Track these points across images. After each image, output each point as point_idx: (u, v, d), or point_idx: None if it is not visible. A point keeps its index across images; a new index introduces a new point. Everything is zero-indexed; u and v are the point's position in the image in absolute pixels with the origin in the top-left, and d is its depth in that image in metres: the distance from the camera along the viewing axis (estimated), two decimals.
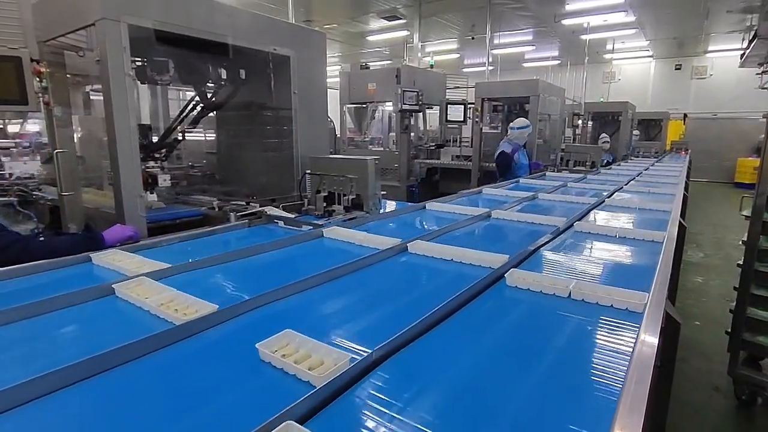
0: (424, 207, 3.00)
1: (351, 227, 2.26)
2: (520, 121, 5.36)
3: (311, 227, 2.34)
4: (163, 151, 3.20)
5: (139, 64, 2.83)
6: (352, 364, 0.91)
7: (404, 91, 6.17)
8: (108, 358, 0.97)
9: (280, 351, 0.98)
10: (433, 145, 7.58)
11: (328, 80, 3.34)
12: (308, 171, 2.87)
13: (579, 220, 2.50)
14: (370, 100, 6.88)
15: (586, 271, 1.67)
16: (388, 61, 15.99)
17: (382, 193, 2.85)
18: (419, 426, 0.79)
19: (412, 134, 6.94)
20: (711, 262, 6.23)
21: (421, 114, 7.11)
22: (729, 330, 2.92)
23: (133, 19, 2.13)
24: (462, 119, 7.11)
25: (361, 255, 1.75)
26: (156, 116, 4.13)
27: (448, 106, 7.03)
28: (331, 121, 6.52)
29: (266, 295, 1.33)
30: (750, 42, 8.42)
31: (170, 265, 1.58)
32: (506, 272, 1.52)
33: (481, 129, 6.72)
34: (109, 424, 0.82)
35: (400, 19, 11.44)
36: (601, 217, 2.74)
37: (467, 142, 8.34)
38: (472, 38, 12.84)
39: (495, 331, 1.19)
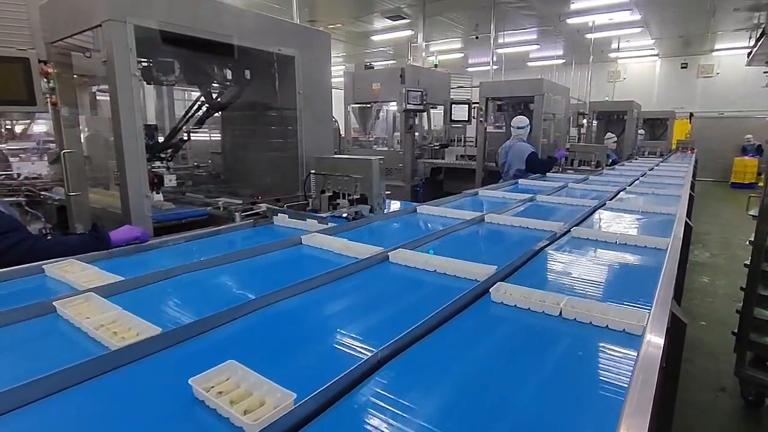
0: (415, 210, 2.89)
1: (333, 234, 2.13)
2: (523, 120, 5.39)
3: (315, 221, 2.34)
4: (169, 151, 3.22)
5: (145, 64, 2.84)
6: (296, 405, 0.80)
7: (408, 90, 6.17)
8: (19, 394, 0.84)
9: (217, 387, 0.86)
10: (437, 145, 7.58)
11: (333, 80, 3.35)
12: (313, 171, 2.88)
13: (578, 224, 2.39)
14: (374, 99, 6.89)
15: (581, 284, 1.54)
16: (393, 61, 15.98)
17: (387, 192, 2.86)
18: None
19: (417, 134, 6.94)
20: (717, 262, 6.19)
21: (425, 114, 7.09)
22: (736, 330, 2.90)
23: (138, 20, 2.14)
24: (466, 119, 7.10)
25: (338, 264, 1.64)
26: (162, 116, 4.16)
27: (453, 105, 7.02)
28: (336, 121, 6.53)
29: (217, 316, 1.19)
30: (757, 40, 8.35)
31: (123, 279, 1.46)
32: (493, 286, 1.39)
33: (486, 128, 6.70)
34: None
35: (404, 18, 11.43)
36: (601, 222, 2.64)
37: (471, 141, 8.33)
38: (476, 38, 12.81)
39: (469, 362, 1.04)
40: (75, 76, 2.66)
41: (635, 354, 1.04)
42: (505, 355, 1.08)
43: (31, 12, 2.65)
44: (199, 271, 1.64)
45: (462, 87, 9.43)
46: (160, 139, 3.21)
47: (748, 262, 2.83)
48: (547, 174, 5.16)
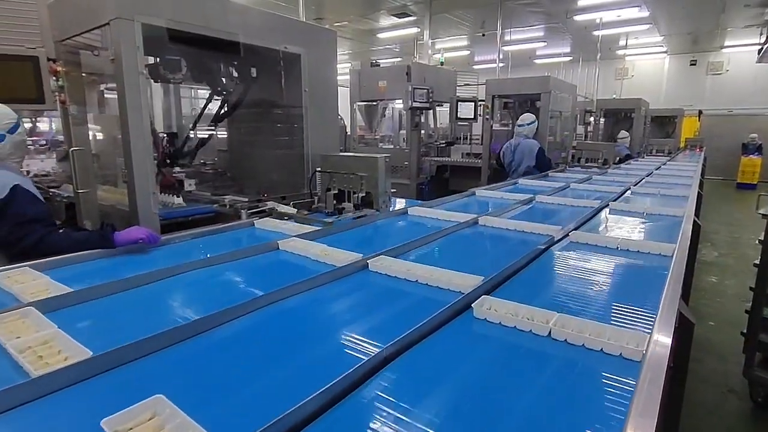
0: (407, 212, 2.76)
1: (313, 239, 2.01)
2: (529, 116, 5.39)
3: (321, 224, 2.35)
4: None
5: (152, 62, 2.86)
6: None
7: (414, 88, 6.15)
8: None
9: (136, 430, 0.73)
10: (443, 143, 7.56)
11: (339, 78, 3.34)
12: (318, 168, 2.88)
13: (577, 228, 2.25)
14: (380, 97, 6.87)
15: (576, 297, 1.42)
16: (399, 58, 15.95)
17: (392, 191, 2.85)
18: None
19: (422, 132, 6.92)
20: (726, 262, 6.13)
21: (431, 111, 7.08)
22: (744, 331, 2.87)
23: (146, 18, 2.16)
24: (472, 116, 7.07)
25: (314, 272, 1.54)
26: (168, 114, 4.17)
27: (459, 103, 7.00)
28: (342, 119, 6.53)
29: (158, 338, 1.04)
30: None
31: (71, 291, 1.33)
32: (477, 299, 1.27)
33: (492, 126, 6.67)
34: None
35: (411, 16, 11.41)
36: (602, 225, 2.52)
37: (477, 139, 8.30)
38: (483, 35, 12.75)
39: (439, 394, 0.90)
40: (83, 74, 2.68)
41: (633, 383, 0.92)
42: (482, 384, 0.95)
43: (40, 10, 2.68)
44: (158, 282, 1.50)
45: (468, 84, 9.40)
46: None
47: (757, 262, 2.80)
48: (550, 173, 5.13)
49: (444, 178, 7.20)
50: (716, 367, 3.35)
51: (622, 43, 14.25)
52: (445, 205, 3.08)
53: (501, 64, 10.60)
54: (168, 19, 2.26)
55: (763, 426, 2.80)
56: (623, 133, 9.05)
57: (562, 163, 6.29)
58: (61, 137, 4.34)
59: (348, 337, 1.14)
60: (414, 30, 12.24)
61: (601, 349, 1.07)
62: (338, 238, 2.17)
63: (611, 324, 1.16)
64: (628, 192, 3.68)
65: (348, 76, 7.19)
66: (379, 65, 7.68)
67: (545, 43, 14.61)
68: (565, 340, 1.11)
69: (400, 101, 6.68)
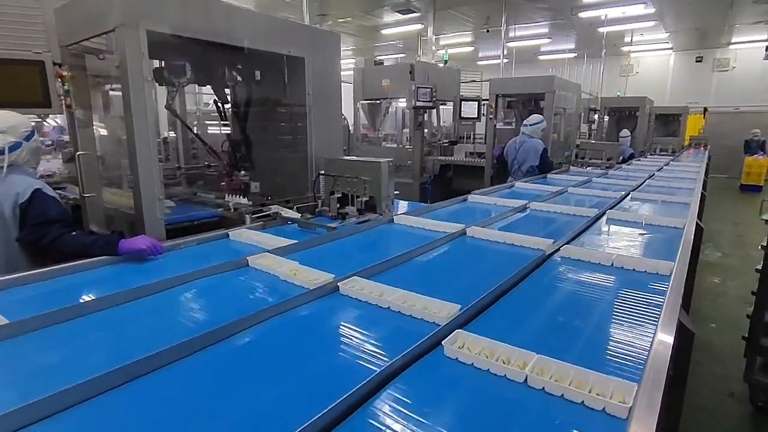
0: (392, 220, 2.67)
1: (284, 254, 1.90)
2: (538, 116, 5.40)
3: (324, 229, 2.37)
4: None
5: (157, 66, 2.87)
6: None
7: (418, 87, 6.14)
8: None
9: None
10: (446, 142, 7.55)
11: (342, 74, 3.35)
12: (322, 172, 2.90)
13: (569, 241, 2.15)
14: (384, 96, 6.86)
15: (561, 330, 1.30)
16: (402, 54, 15.89)
17: (396, 192, 2.86)
18: None
19: (426, 131, 6.92)
20: (729, 262, 6.12)
21: (434, 110, 7.07)
22: (746, 335, 2.88)
23: (151, 24, 2.17)
24: (476, 116, 7.06)
25: (284, 296, 1.44)
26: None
27: (462, 102, 6.98)
28: (345, 118, 6.54)
29: (75, 389, 0.92)
30: None
31: (7, 322, 1.23)
32: (451, 334, 1.16)
33: (495, 126, 6.66)
34: None
35: (415, 12, 11.36)
36: (597, 237, 2.39)
37: (481, 138, 8.28)
38: (487, 31, 12.69)
39: None
40: (89, 77, 2.70)
41: None
42: None
43: (46, 15, 2.69)
44: (105, 311, 1.38)
45: (473, 81, 9.36)
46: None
47: (760, 267, 2.80)
48: (549, 176, 5.11)
49: (447, 178, 7.19)
50: (717, 370, 3.36)
51: (627, 39, 14.15)
52: (434, 212, 3.01)
53: (505, 61, 10.56)
54: (173, 26, 2.27)
55: (763, 431, 2.82)
56: (625, 132, 9.09)
57: (565, 162, 6.28)
58: (66, 137, 4.38)
59: (305, 381, 1.03)
60: (418, 26, 12.19)
61: (582, 402, 0.94)
62: (313, 253, 2.05)
63: (597, 369, 1.03)
64: (628, 198, 3.59)
65: (351, 73, 7.19)
66: (382, 63, 7.67)
67: (550, 40, 14.52)
68: (543, 388, 1.00)
69: (404, 100, 6.68)
